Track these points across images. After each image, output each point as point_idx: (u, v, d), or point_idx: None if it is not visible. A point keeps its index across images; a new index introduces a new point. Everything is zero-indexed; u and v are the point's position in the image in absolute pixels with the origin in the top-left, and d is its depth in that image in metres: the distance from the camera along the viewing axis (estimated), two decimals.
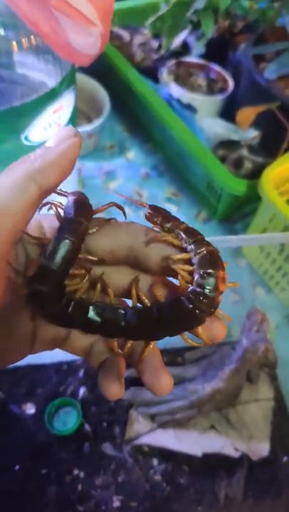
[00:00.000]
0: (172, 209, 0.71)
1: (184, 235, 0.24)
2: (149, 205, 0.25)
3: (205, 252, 0.23)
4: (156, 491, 0.47)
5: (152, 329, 0.23)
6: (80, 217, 0.23)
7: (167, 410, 0.48)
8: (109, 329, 0.23)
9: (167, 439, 0.48)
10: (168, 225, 0.24)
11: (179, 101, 0.71)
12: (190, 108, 0.71)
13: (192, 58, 0.79)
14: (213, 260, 0.23)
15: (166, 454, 0.48)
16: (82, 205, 0.24)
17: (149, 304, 0.24)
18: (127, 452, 0.48)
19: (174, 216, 0.25)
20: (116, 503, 0.46)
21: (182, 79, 0.76)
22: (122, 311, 0.23)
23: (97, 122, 0.68)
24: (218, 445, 0.49)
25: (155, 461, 0.48)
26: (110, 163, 0.74)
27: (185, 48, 0.80)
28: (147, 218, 0.25)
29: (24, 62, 0.41)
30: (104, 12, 0.36)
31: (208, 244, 0.23)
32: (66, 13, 0.33)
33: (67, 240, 0.22)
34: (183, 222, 0.25)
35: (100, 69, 0.70)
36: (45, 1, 0.32)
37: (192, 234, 0.24)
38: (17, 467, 0.47)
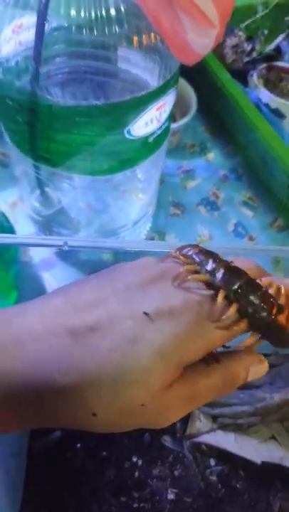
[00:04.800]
0: (248, 214, 0.70)
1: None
2: (178, 249, 0.27)
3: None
4: (211, 491, 0.47)
5: None
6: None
7: (230, 413, 0.48)
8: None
9: (227, 441, 0.48)
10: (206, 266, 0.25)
11: (267, 105, 0.70)
12: (278, 113, 0.70)
13: (284, 63, 0.77)
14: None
15: (223, 456, 0.49)
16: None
17: None
18: (186, 448, 0.48)
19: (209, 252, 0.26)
20: (170, 496, 0.47)
21: (272, 83, 0.75)
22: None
23: (183, 121, 0.69)
24: (278, 456, 0.48)
25: (212, 462, 0.49)
26: (190, 163, 0.75)
27: (277, 52, 0.79)
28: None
29: (128, 58, 0.43)
30: (223, 13, 0.36)
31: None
32: (192, 14, 0.33)
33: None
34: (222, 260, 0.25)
35: (190, 68, 0.71)
36: (174, 0, 0.33)
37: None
38: (79, 445, 0.49)
